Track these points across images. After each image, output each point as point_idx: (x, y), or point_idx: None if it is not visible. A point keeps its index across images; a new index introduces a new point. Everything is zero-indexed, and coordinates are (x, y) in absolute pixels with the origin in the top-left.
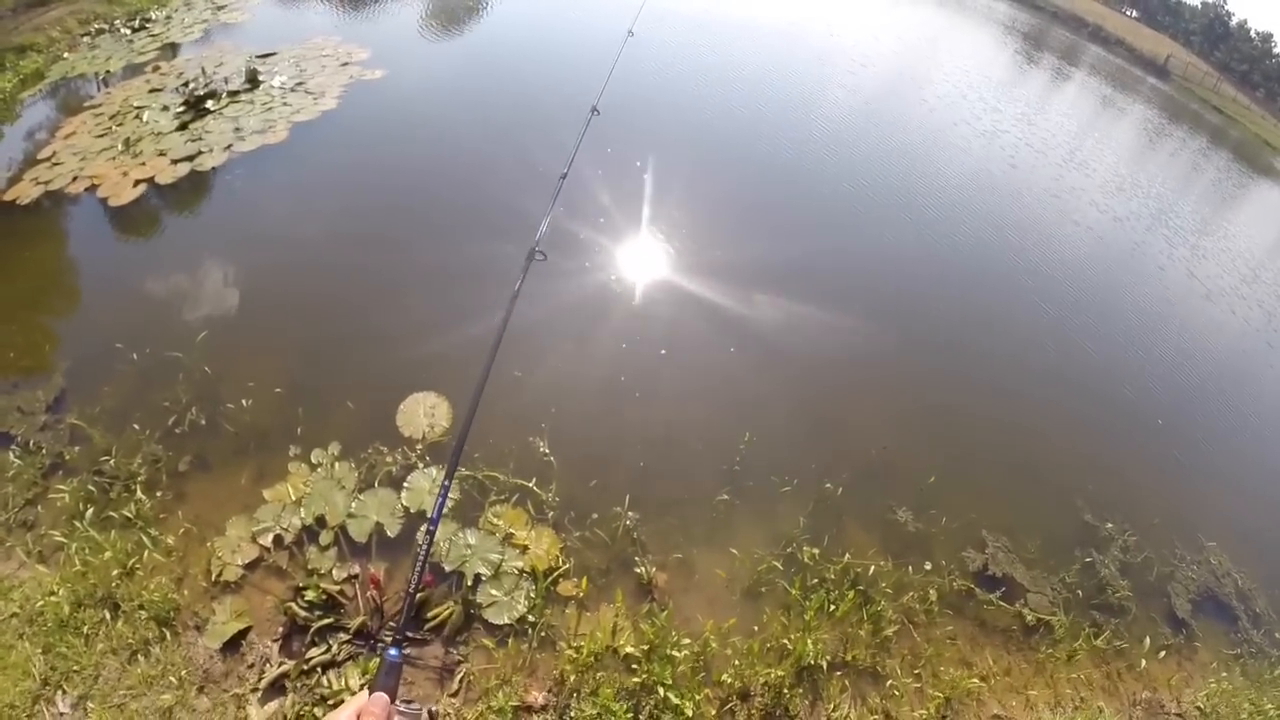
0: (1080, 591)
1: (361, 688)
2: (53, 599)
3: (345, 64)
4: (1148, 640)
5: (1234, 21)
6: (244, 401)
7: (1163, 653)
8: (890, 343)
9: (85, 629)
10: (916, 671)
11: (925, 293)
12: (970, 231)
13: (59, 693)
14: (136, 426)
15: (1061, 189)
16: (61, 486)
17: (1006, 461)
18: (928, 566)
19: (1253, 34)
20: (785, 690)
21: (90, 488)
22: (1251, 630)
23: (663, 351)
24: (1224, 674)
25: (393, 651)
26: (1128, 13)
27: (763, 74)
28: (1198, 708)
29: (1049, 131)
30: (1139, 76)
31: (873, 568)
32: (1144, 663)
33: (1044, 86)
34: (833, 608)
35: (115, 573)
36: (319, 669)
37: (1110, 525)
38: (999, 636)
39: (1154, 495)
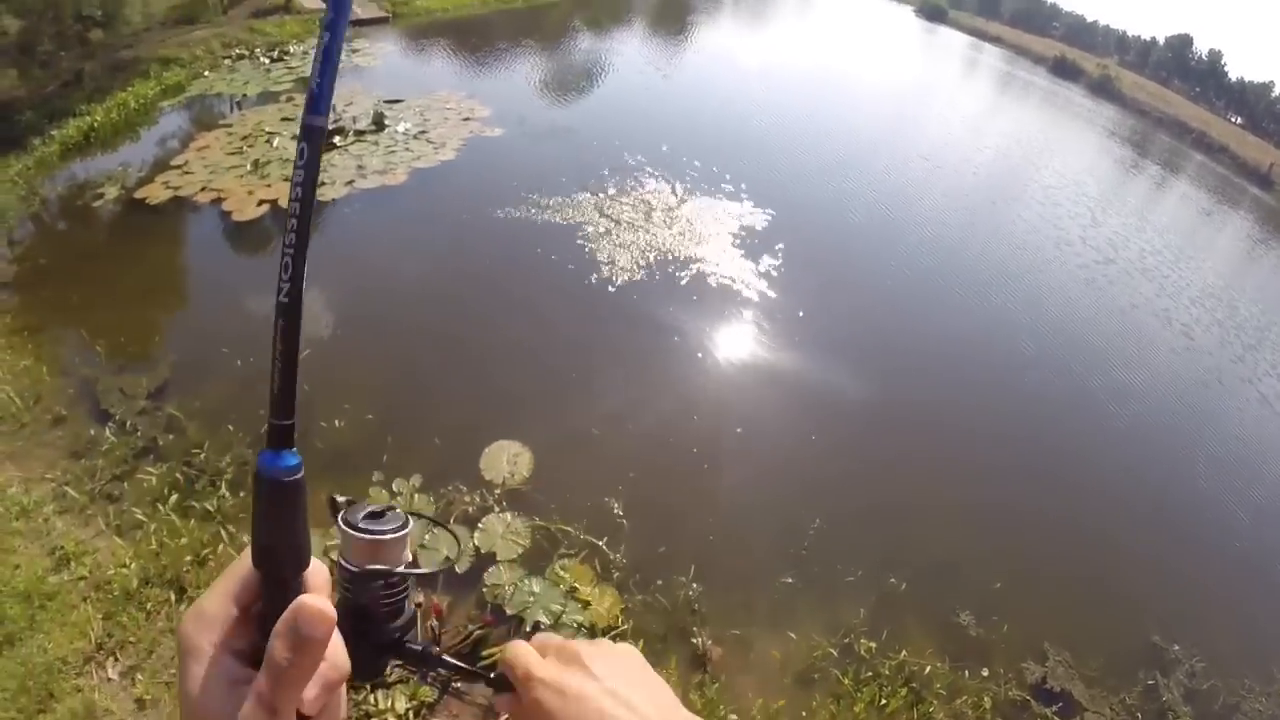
0: (1140, 715)
1: (408, 712)
2: (124, 570)
3: (467, 119)
4: None
5: None
6: (336, 422)
7: None
8: (974, 445)
9: (149, 605)
10: None
11: (1018, 397)
12: (1068, 340)
13: (111, 659)
14: (230, 428)
15: (1161, 307)
16: (150, 470)
17: (1077, 573)
18: (985, 673)
19: None
20: None
21: (178, 476)
22: None
23: (739, 430)
24: None
25: (267, 454)
26: (1232, 119)
27: (874, 172)
28: None
29: (1155, 245)
30: (1243, 186)
31: (929, 668)
32: None
33: (1146, 195)
34: (884, 703)
35: (188, 559)
36: (368, 686)
37: (1178, 648)
38: None
39: (1226, 621)
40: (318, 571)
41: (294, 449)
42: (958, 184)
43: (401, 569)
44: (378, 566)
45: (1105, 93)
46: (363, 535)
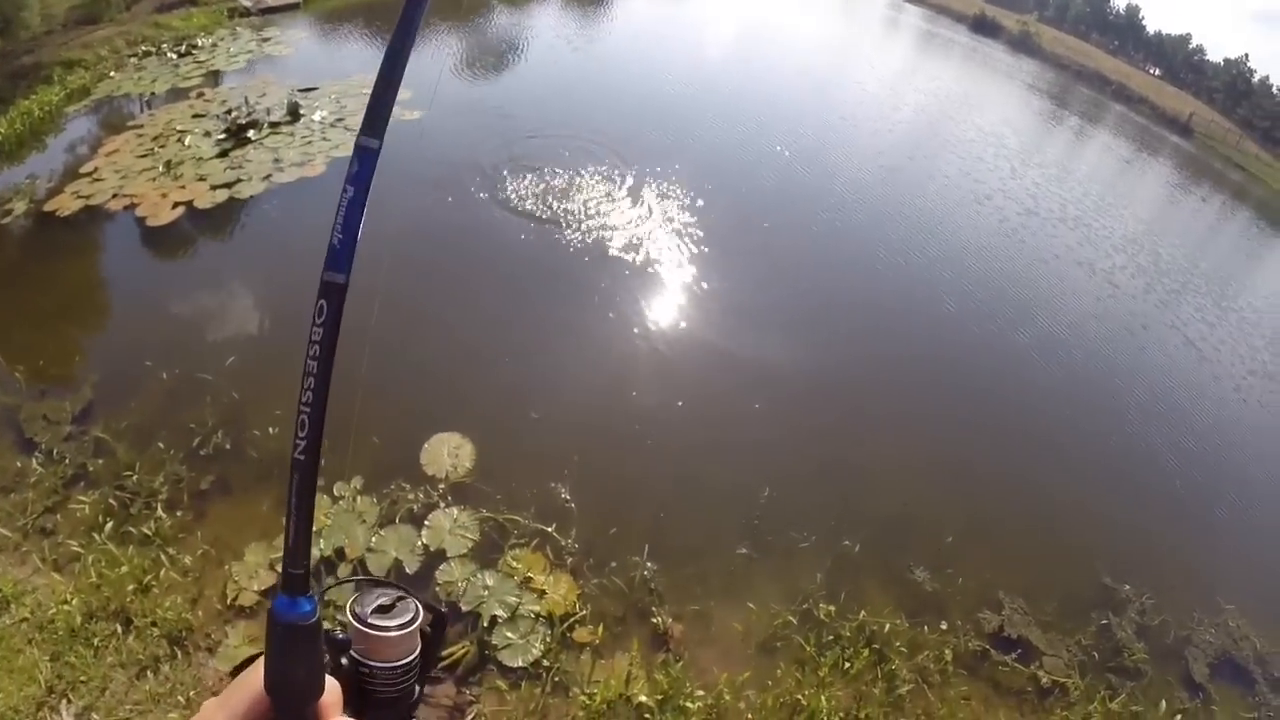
0: (1096, 654)
1: None
2: (65, 608)
3: None
4: (1164, 704)
5: (1256, 79)
6: (270, 429)
7: (1179, 716)
8: (913, 403)
9: (96, 641)
10: None
11: (950, 354)
12: (994, 294)
13: (64, 702)
14: (161, 445)
15: (1084, 256)
16: (82, 498)
17: (1025, 522)
18: (943, 626)
19: (1275, 91)
20: None
21: (111, 501)
22: (1269, 695)
23: (680, 403)
24: None
25: (283, 599)
26: (1151, 70)
27: (791, 136)
28: None
29: (1076, 195)
30: (1162, 135)
31: (888, 626)
32: None
33: (1067, 147)
34: (847, 665)
35: (130, 588)
36: None
37: (1128, 587)
38: (1013, 699)
39: (1173, 558)
40: (330, 690)
41: (310, 594)
42: (876, 143)
43: (409, 659)
44: (388, 664)
45: (1025, 48)
46: (374, 633)
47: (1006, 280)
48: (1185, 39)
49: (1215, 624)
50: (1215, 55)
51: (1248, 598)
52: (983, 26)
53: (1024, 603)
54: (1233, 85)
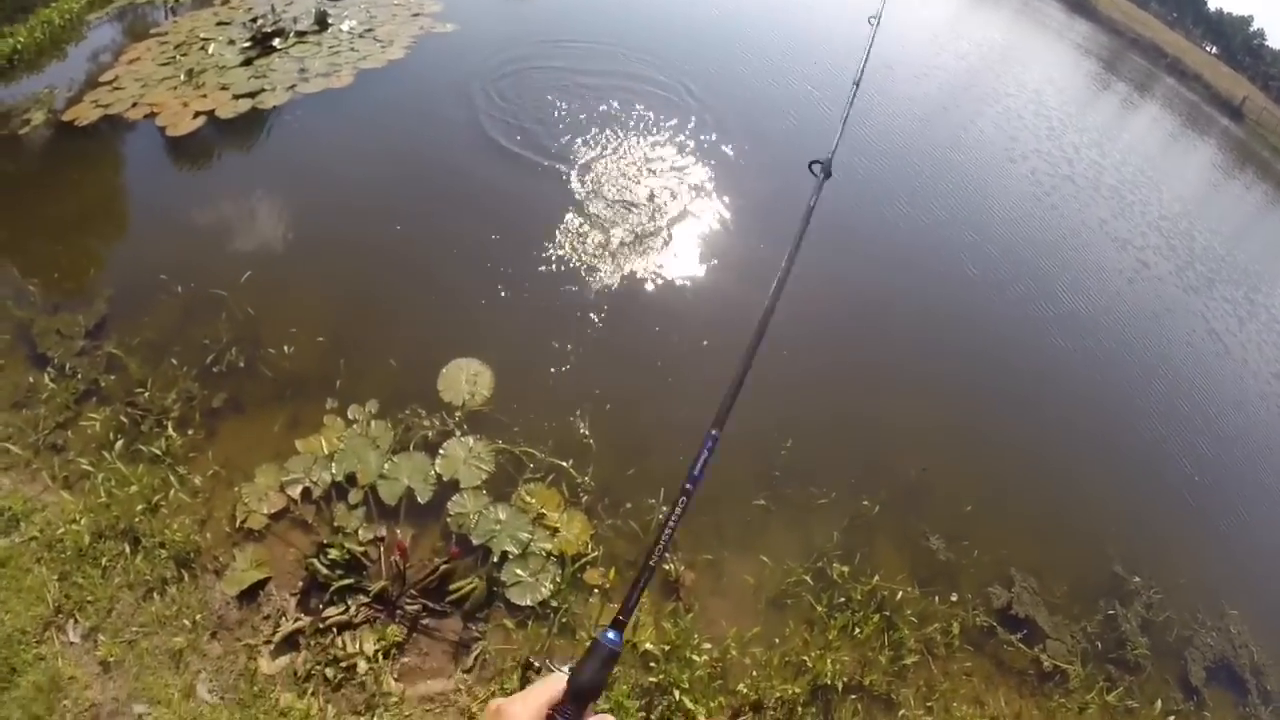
0: (1100, 643)
1: (376, 654)
2: (74, 527)
3: (416, 14)
4: (1159, 703)
5: None
6: (285, 348)
7: (1171, 717)
8: (946, 370)
9: (104, 561)
10: (929, 704)
11: (970, 321)
12: (1019, 262)
13: (71, 621)
14: (174, 361)
15: (1117, 232)
16: (94, 414)
17: (1045, 501)
18: (954, 598)
19: None
20: (799, 708)
21: (122, 419)
22: (1260, 707)
23: (705, 343)
24: None
25: (611, 635)
26: (1207, 48)
27: (824, 76)
28: None
29: (1115, 164)
30: (1211, 115)
31: (900, 593)
32: None
33: (1112, 115)
34: (856, 630)
35: (139, 508)
36: (334, 629)
37: (1138, 579)
38: (1014, 678)
39: (1184, 554)
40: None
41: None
42: (911, 90)
43: None
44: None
45: (1081, 8)
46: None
47: (1033, 248)
48: (1247, 20)
49: (1217, 628)
50: (1276, 41)
51: (1251, 605)
52: None
53: (1035, 582)
54: None
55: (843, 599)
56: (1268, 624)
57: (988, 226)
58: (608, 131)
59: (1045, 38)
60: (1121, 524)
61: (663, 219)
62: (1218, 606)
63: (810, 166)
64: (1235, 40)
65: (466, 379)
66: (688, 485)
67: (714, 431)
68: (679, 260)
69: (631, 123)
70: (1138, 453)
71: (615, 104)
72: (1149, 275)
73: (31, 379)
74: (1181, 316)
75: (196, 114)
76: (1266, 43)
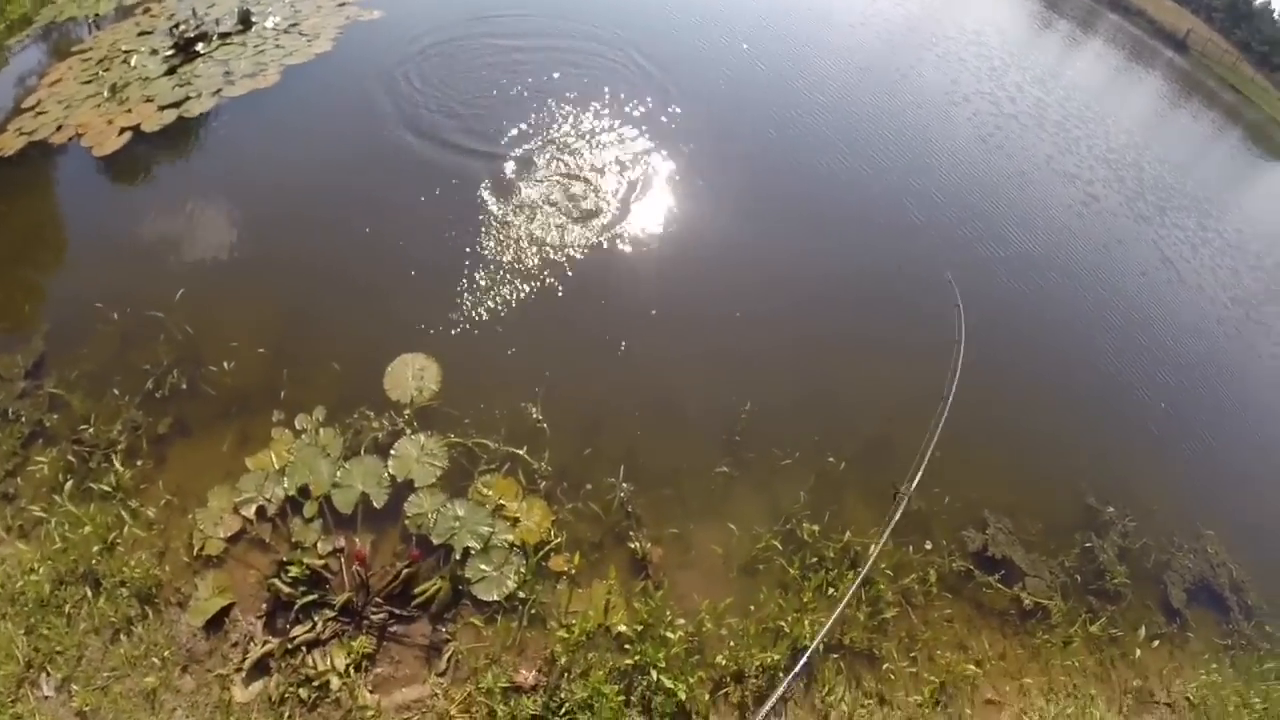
0: (1078, 576)
1: (348, 668)
2: (33, 577)
3: (342, 3)
4: (1143, 629)
5: (1258, 2)
6: (226, 363)
7: (1156, 641)
8: (902, 321)
9: (67, 608)
10: (913, 655)
11: (935, 274)
12: (965, 205)
13: (43, 675)
14: (116, 391)
15: (1065, 167)
16: (41, 457)
17: (1013, 442)
18: (928, 546)
19: (1276, 16)
20: (780, 673)
21: (70, 458)
22: (1243, 622)
23: (653, 311)
24: (1214, 665)
25: None
26: None
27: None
28: (1187, 699)
29: (1059, 100)
30: (1156, 48)
31: (873, 546)
32: (1138, 651)
33: (1056, 53)
34: (832, 589)
35: (96, 548)
36: (303, 648)
37: (1111, 510)
38: (996, 620)
39: (1155, 481)
40: None
41: None
42: (849, 40)
43: None
44: None
45: None
46: None
47: (980, 190)
48: None
49: (1194, 549)
50: None
51: (1226, 524)
52: None
53: (1009, 522)
54: (1234, 6)
55: (815, 559)
56: (1243, 541)
57: (932, 171)
58: (543, 107)
59: None
60: (1090, 458)
61: (601, 195)
62: (1193, 529)
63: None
64: None
65: (413, 374)
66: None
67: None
68: (620, 234)
69: (568, 95)
70: (1100, 387)
71: (553, 76)
72: (1099, 209)
73: None
74: (1134, 247)
75: (122, 130)
76: None
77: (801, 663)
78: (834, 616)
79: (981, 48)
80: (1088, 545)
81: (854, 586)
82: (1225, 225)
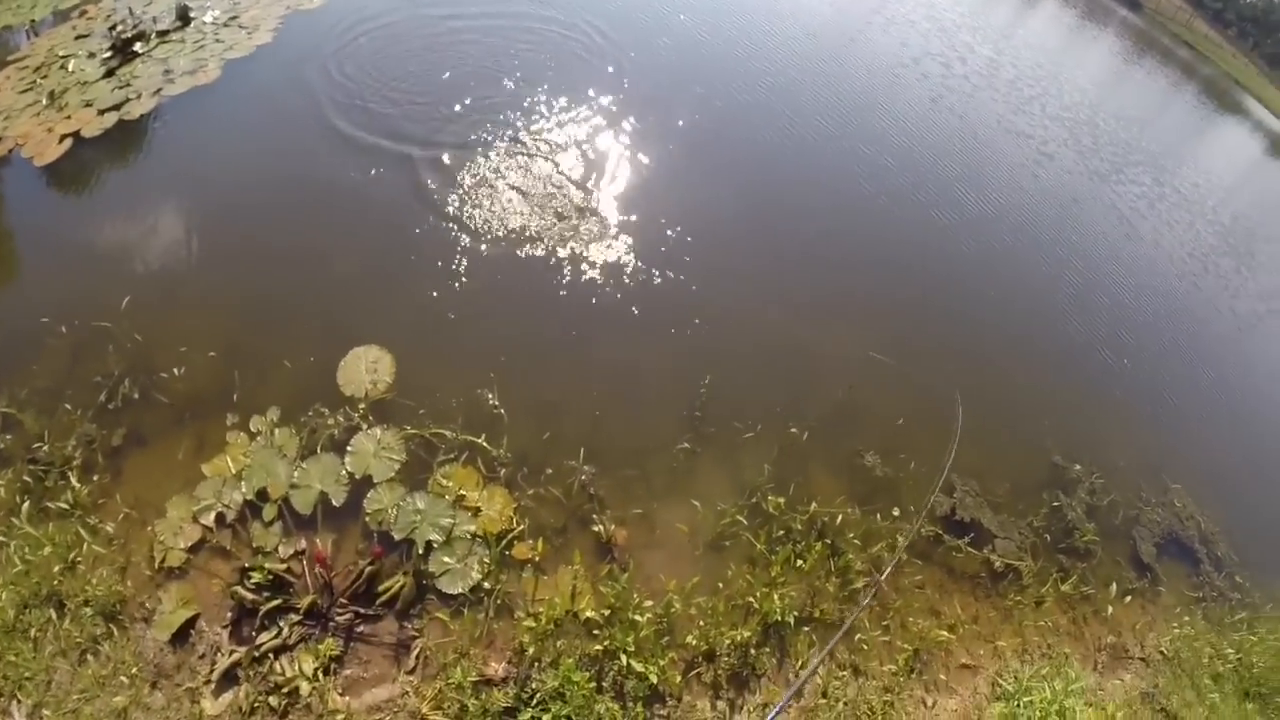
0: (1048, 536)
1: (316, 672)
2: None
3: None
4: (1114, 586)
5: None
6: (176, 369)
7: (1128, 597)
8: (857, 289)
9: (33, 632)
10: (885, 623)
11: (889, 239)
12: (931, 176)
13: (13, 703)
14: (68, 406)
15: (1026, 126)
16: None
17: (977, 404)
18: (896, 513)
19: None
20: (752, 650)
21: (25, 478)
22: (1213, 573)
23: (609, 289)
24: (1186, 618)
25: None
26: None
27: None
28: (1161, 652)
29: (1011, 59)
30: (1110, 6)
31: (840, 516)
32: (1110, 608)
33: (1009, 12)
34: (800, 561)
35: (57, 569)
36: (271, 655)
37: (1078, 467)
38: (967, 584)
39: (1120, 438)
40: None
41: None
42: (794, 6)
43: None
44: None
45: None
46: None
47: (932, 153)
48: None
49: (1162, 503)
50: None
51: (1193, 477)
52: None
53: (976, 484)
54: None
55: (782, 532)
56: (1210, 493)
57: (882, 138)
58: (487, 89)
59: None
60: (1055, 417)
61: (551, 176)
62: (1160, 483)
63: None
64: None
65: (366, 368)
66: None
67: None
68: (569, 214)
69: (514, 75)
70: (1063, 346)
71: (495, 57)
72: (1054, 167)
73: None
74: (1090, 205)
75: (62, 138)
76: None
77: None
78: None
79: (931, 9)
80: (1056, 504)
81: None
82: (1181, 180)
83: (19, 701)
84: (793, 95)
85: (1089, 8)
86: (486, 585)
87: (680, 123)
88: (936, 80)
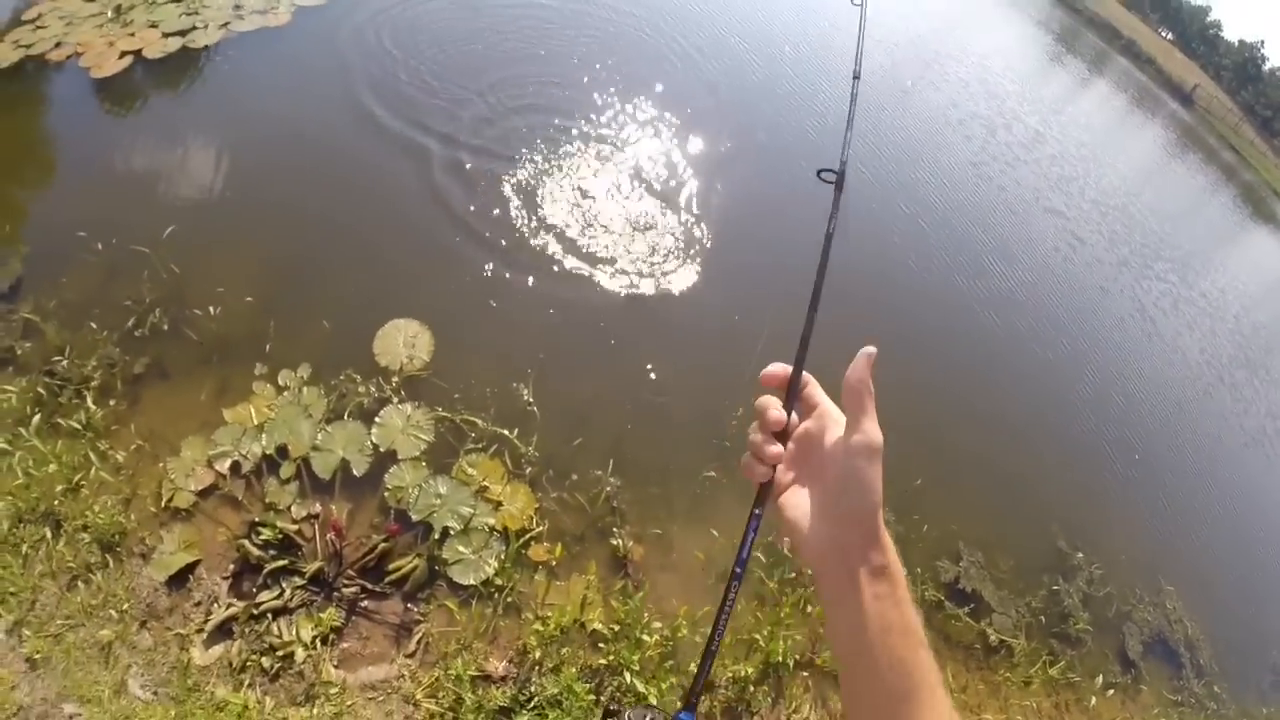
0: (1044, 618)
1: (314, 640)
2: None
3: None
4: (1100, 677)
5: (1267, 66)
6: (211, 309)
7: (1111, 690)
8: (893, 339)
9: (24, 548)
10: None
11: (929, 303)
12: (965, 230)
13: None
14: (94, 325)
15: (1060, 204)
16: (9, 386)
17: (994, 475)
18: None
19: None
20: (750, 686)
21: (40, 390)
22: (1194, 680)
23: (651, 303)
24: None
25: (684, 716)
26: (1163, 34)
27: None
28: None
29: (1056, 134)
30: (1161, 99)
31: None
32: (1093, 699)
33: (1062, 89)
34: (809, 607)
35: (59, 488)
36: (269, 615)
37: (1080, 555)
38: (961, 652)
39: (1124, 531)
40: None
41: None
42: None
43: None
44: None
45: None
46: None
47: (965, 216)
48: (1204, 10)
49: (1154, 603)
50: (1232, 34)
51: (1186, 581)
52: None
53: (982, 556)
54: (1243, 67)
55: (794, 574)
56: (1201, 599)
57: (920, 195)
58: (563, 70)
59: (999, 8)
60: (1066, 500)
61: (611, 179)
62: (1155, 582)
63: (819, 175)
64: (1191, 28)
65: (404, 341)
66: (737, 569)
67: (757, 511)
68: (624, 222)
69: (590, 64)
70: (1076, 432)
71: (573, 39)
72: (1084, 251)
73: None
74: (1115, 295)
75: (123, 54)
76: (1222, 34)
77: None
78: None
79: (985, 73)
80: (1055, 588)
81: None
82: (1208, 283)
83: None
84: (837, 138)
85: (1140, 95)
86: (499, 581)
87: (728, 152)
88: (979, 145)
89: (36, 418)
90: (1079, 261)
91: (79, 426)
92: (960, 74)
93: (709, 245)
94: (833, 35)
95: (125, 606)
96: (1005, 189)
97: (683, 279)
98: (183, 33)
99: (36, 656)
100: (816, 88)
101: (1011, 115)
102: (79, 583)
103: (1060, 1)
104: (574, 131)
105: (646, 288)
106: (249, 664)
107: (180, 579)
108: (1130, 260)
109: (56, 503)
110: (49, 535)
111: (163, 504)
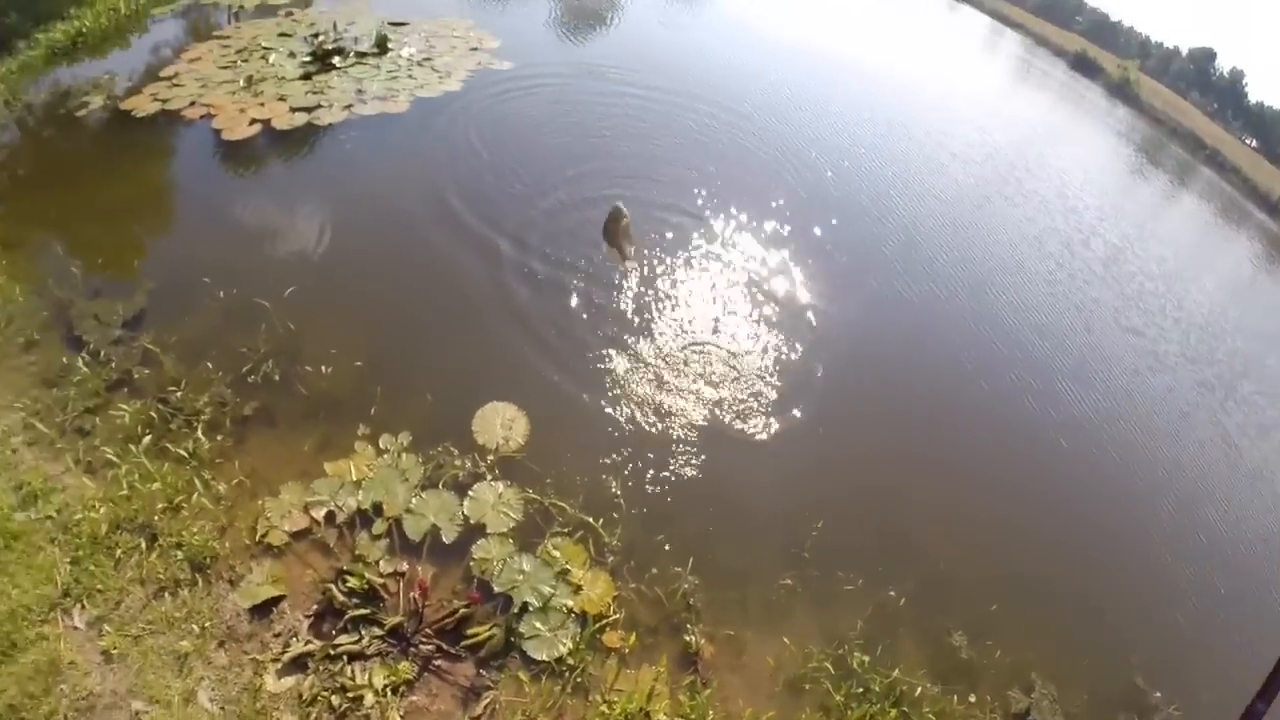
0: None
1: (385, 688)
2: (92, 514)
3: (475, 49)
4: None
5: None
6: (323, 368)
7: None
8: (983, 465)
9: (118, 552)
10: None
11: (1026, 428)
12: (1043, 354)
13: (77, 607)
14: (210, 365)
15: (1139, 322)
16: (124, 405)
17: (1072, 605)
18: (972, 699)
19: None
20: None
21: (152, 414)
22: None
23: (736, 416)
24: None
25: None
26: (1247, 141)
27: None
28: None
29: (1138, 249)
30: (1247, 209)
31: (919, 689)
32: None
33: (1147, 203)
34: None
35: (160, 505)
36: (345, 657)
37: (1159, 694)
38: None
39: (1207, 672)
40: None
41: None
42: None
43: None
44: None
45: (1122, 95)
46: None
47: (1039, 336)
48: None
49: None
50: None
51: None
52: (1083, 65)
53: (1055, 689)
54: None
55: (861, 689)
56: None
57: (995, 316)
58: (655, 178)
59: (1085, 121)
60: (1144, 638)
61: (720, 301)
62: None
63: None
64: (1275, 135)
65: (502, 423)
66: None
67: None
68: (725, 334)
69: (699, 184)
70: (1158, 565)
71: (681, 160)
72: (1166, 375)
73: (65, 360)
74: (1196, 420)
75: (253, 121)
76: None
77: None
78: None
79: (1064, 188)
80: None
81: None
82: None
83: (83, 607)
84: (911, 253)
85: (1225, 206)
86: (571, 661)
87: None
88: (1056, 262)
89: (147, 438)
90: (1159, 384)
91: (186, 454)
92: (1038, 189)
93: (815, 381)
94: None
95: (207, 624)
96: (1082, 308)
97: (769, 395)
98: (309, 109)
99: (114, 652)
100: None
101: (1089, 230)
102: (165, 594)
103: (1143, 114)
104: (692, 243)
105: (734, 400)
106: (319, 698)
107: (264, 609)
108: (1211, 382)
109: (156, 517)
110: (143, 545)
111: (256, 538)
